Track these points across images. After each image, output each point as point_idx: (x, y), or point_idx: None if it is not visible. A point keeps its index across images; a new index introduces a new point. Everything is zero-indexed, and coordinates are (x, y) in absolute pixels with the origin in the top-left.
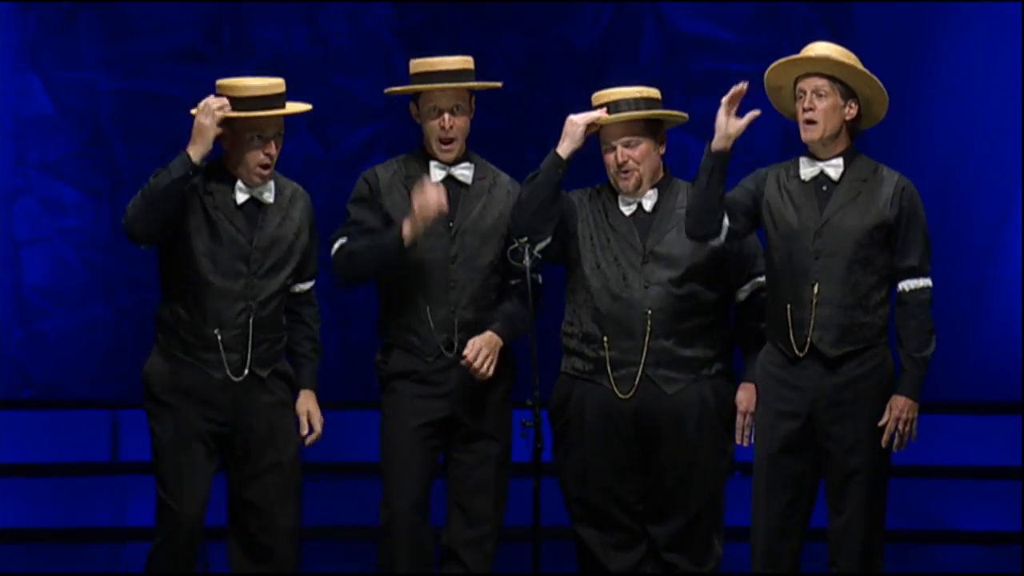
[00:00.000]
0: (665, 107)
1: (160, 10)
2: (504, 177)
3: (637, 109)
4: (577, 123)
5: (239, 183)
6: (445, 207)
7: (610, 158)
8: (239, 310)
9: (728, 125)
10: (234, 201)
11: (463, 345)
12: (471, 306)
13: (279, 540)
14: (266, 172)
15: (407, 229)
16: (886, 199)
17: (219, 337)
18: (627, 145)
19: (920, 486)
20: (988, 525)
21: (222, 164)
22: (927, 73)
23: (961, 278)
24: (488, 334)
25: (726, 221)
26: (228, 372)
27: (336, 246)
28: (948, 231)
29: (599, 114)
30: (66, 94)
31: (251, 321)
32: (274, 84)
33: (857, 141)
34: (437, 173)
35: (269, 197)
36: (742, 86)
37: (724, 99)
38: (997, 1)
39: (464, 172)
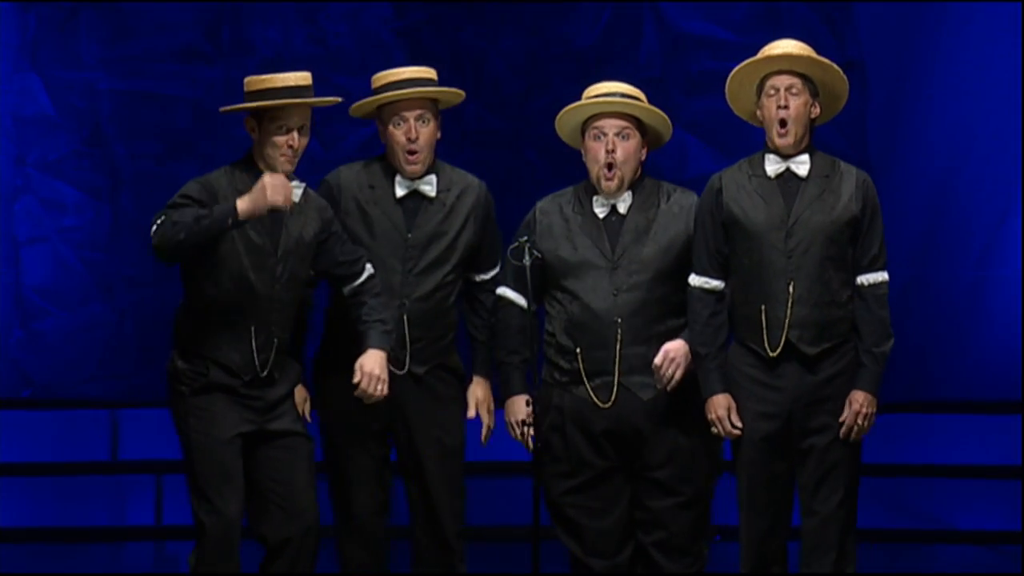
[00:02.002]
0: (664, 107)
1: (160, 10)
2: (312, 193)
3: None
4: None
5: (398, 177)
6: (290, 200)
7: (598, 147)
8: (394, 307)
9: None
10: (393, 195)
11: (276, 367)
12: (287, 327)
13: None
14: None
15: (245, 204)
16: (850, 194)
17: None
18: (619, 134)
19: (920, 485)
20: (988, 525)
21: (384, 158)
22: (927, 73)
23: (961, 277)
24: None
25: (721, 284)
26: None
27: (160, 220)
28: (948, 230)
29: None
30: (66, 94)
31: (406, 317)
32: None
33: (856, 140)
34: None
35: (431, 191)
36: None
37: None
38: (996, 1)
39: (295, 191)
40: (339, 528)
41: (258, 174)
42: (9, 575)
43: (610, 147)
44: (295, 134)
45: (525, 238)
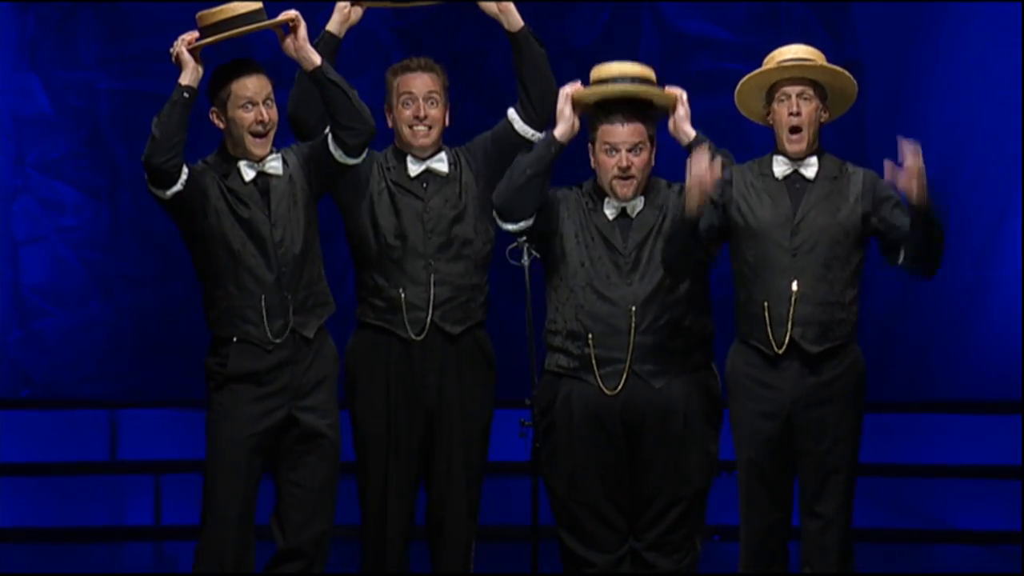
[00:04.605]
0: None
1: (158, 9)
2: (289, 149)
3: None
4: (561, 106)
5: (409, 157)
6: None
7: (610, 161)
8: (419, 268)
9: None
10: (408, 174)
11: (300, 326)
12: (303, 289)
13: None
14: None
15: (182, 77)
16: (857, 195)
17: (403, 296)
18: (632, 151)
19: (920, 485)
20: (988, 524)
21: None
22: (926, 73)
23: (960, 277)
24: None
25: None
26: (410, 332)
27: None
28: (947, 230)
29: (577, 87)
30: (65, 94)
31: (432, 277)
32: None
33: (854, 141)
34: (247, 171)
35: (443, 168)
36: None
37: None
38: (995, 1)
39: (275, 164)
40: (365, 538)
41: (233, 160)
42: (8, 575)
43: (624, 164)
44: (261, 108)
45: (524, 238)
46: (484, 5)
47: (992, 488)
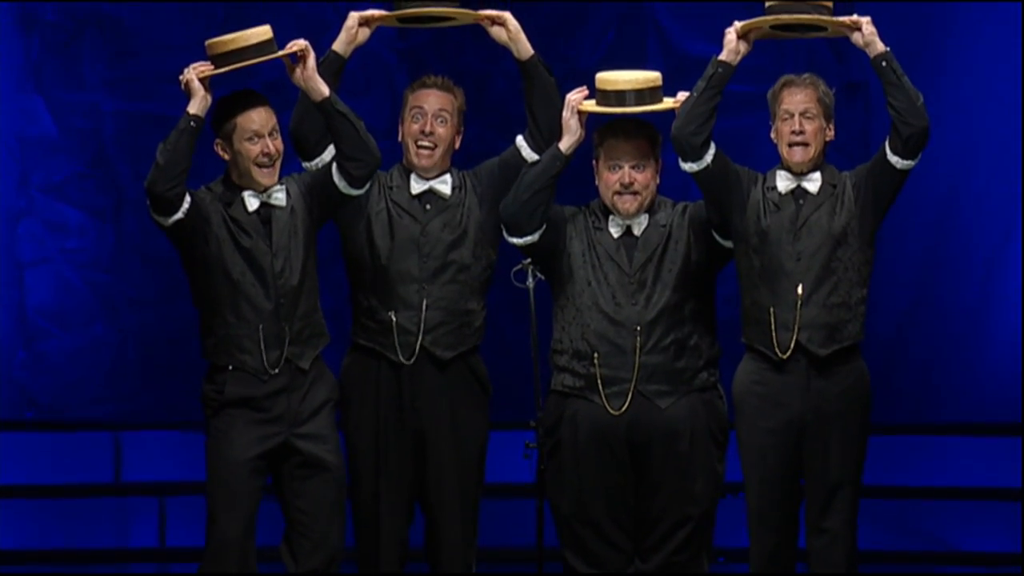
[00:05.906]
0: (668, 129)
1: (163, 31)
2: (290, 179)
3: (646, 103)
4: (566, 117)
5: (413, 175)
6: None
7: (612, 177)
8: (412, 292)
9: (738, 43)
10: (410, 193)
11: (296, 357)
12: (299, 320)
13: None
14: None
15: (191, 106)
16: (849, 195)
17: (394, 320)
18: (635, 167)
19: (921, 507)
20: (989, 546)
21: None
22: (930, 90)
23: (963, 298)
24: None
25: (712, 150)
26: (400, 356)
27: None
28: (951, 250)
29: (581, 97)
30: (69, 115)
31: (425, 303)
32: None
33: (860, 161)
34: (251, 202)
35: (446, 190)
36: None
37: (739, 24)
38: (998, 23)
39: (279, 196)
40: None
41: (237, 189)
42: None
43: (627, 180)
44: (267, 140)
45: (528, 260)
46: (494, 33)
47: (993, 509)
